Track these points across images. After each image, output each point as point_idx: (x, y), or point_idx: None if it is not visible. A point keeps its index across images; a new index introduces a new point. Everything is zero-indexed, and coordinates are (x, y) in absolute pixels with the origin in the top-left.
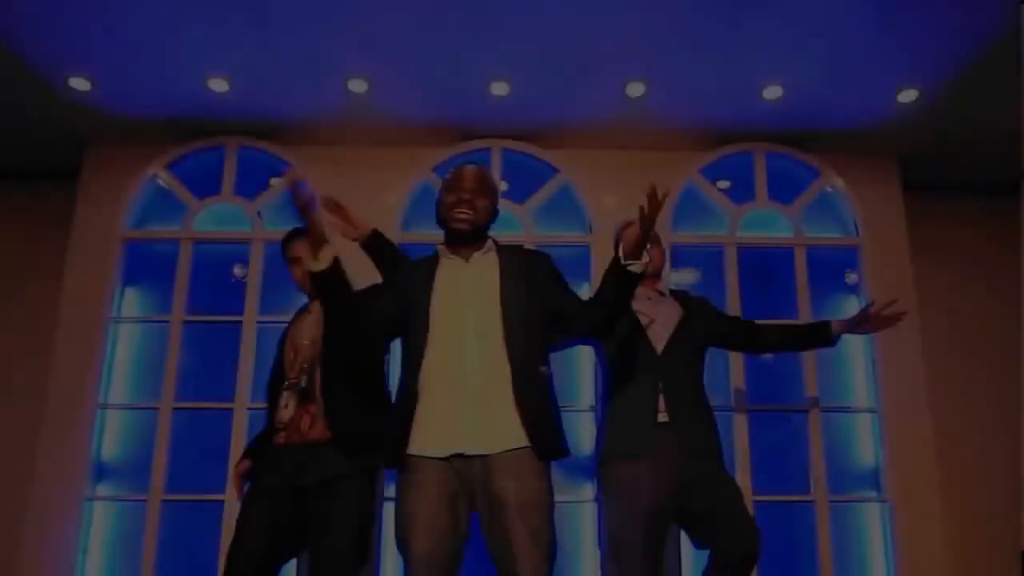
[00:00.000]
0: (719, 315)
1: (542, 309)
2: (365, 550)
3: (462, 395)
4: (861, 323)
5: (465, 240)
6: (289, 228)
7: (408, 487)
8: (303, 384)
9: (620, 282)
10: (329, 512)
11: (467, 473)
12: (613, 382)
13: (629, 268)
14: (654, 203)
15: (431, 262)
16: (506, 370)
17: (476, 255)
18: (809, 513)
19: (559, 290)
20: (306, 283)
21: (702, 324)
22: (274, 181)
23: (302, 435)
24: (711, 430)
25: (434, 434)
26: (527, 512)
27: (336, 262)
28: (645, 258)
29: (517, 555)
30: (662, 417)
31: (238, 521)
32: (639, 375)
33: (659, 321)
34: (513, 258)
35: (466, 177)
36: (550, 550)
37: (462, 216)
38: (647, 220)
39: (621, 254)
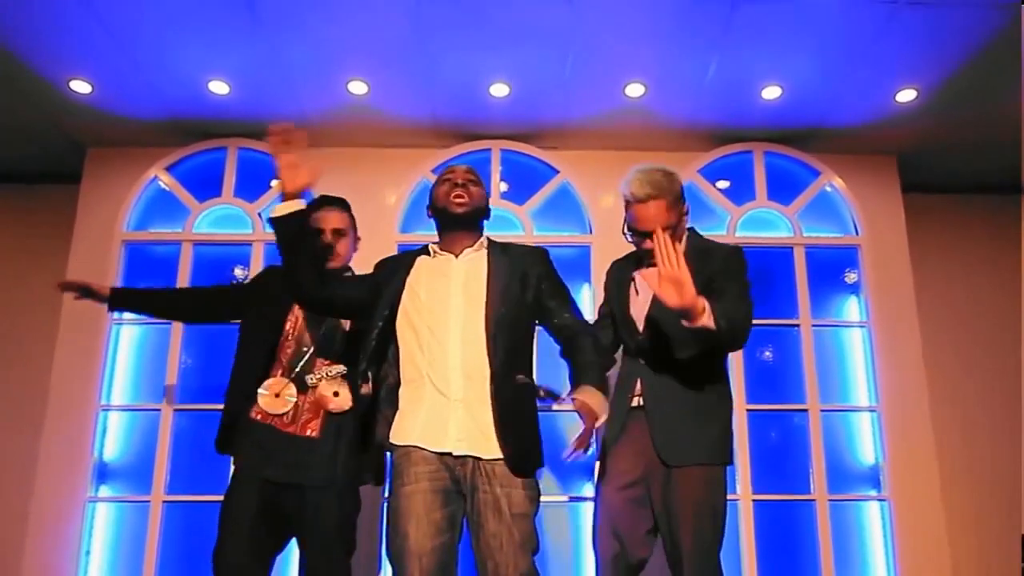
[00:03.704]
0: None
1: (529, 311)
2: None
3: (449, 395)
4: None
5: (463, 224)
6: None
7: (401, 480)
8: (301, 373)
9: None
10: (326, 513)
11: (460, 471)
12: None
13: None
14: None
15: (413, 254)
16: (486, 377)
17: (467, 251)
18: (809, 512)
19: (564, 301)
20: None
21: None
22: (275, 183)
23: (298, 427)
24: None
25: (422, 428)
26: (519, 520)
27: (301, 215)
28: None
29: (507, 561)
30: (635, 402)
31: (227, 509)
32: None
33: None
34: (504, 257)
35: (457, 170)
36: (534, 554)
37: (459, 200)
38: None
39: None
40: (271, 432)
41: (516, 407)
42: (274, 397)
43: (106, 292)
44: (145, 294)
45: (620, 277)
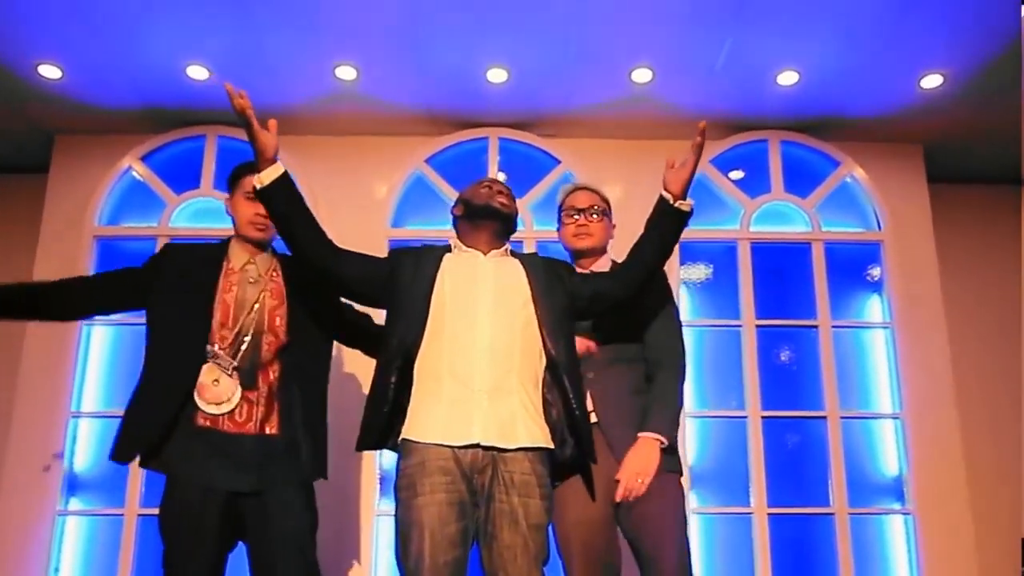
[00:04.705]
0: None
1: (573, 305)
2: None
3: (472, 386)
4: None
5: (501, 222)
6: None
7: (414, 491)
8: (246, 365)
9: (668, 224)
10: (296, 516)
11: (478, 480)
12: None
13: (679, 207)
14: (703, 141)
15: (438, 251)
16: (527, 367)
17: (495, 252)
18: (828, 527)
19: (585, 276)
20: (258, 229)
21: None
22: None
23: (238, 425)
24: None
25: (444, 423)
26: (534, 532)
27: (287, 177)
28: (691, 200)
29: (520, 574)
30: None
31: (170, 523)
32: None
33: None
34: (534, 261)
35: (496, 181)
36: (544, 564)
37: (503, 200)
38: (697, 160)
39: (668, 195)
40: (224, 437)
41: (579, 401)
42: (213, 387)
43: None
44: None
45: None
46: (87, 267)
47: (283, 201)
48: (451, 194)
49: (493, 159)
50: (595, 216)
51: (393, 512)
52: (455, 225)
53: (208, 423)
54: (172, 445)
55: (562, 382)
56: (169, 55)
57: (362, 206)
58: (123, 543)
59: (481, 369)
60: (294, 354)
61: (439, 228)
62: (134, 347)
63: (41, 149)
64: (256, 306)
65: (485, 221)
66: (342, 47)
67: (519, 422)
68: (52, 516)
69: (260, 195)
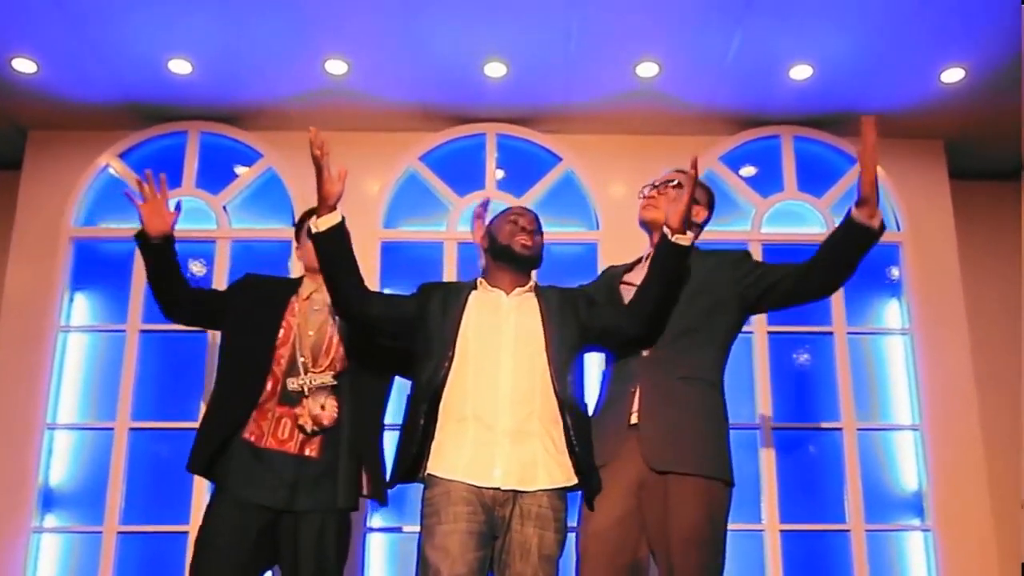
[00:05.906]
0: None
1: (584, 337)
2: None
3: (495, 428)
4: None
5: (521, 266)
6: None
7: (438, 518)
8: (296, 388)
9: (670, 259)
10: (326, 542)
11: (499, 513)
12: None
13: (677, 242)
14: (696, 173)
15: (463, 288)
16: (548, 409)
17: (519, 289)
18: (844, 543)
19: (598, 308)
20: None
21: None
22: (241, 170)
23: (280, 443)
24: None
25: (468, 462)
26: (545, 562)
27: (342, 226)
28: (691, 234)
29: None
30: (633, 419)
31: (209, 528)
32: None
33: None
34: (552, 296)
35: (526, 215)
36: None
37: (525, 243)
38: (692, 190)
39: (667, 230)
40: (262, 452)
41: (587, 438)
42: (323, 412)
43: (166, 228)
44: (176, 264)
45: (609, 282)
46: (65, 270)
47: (333, 248)
48: (446, 193)
49: (491, 156)
50: (669, 190)
51: (385, 527)
52: (482, 253)
53: (252, 437)
54: (225, 458)
55: (565, 420)
56: (150, 48)
57: (353, 205)
58: (102, 562)
59: (504, 412)
60: (348, 382)
61: (433, 229)
62: (113, 353)
63: (14, 145)
64: (314, 332)
65: (505, 263)
66: (332, 39)
67: (539, 466)
68: (27, 533)
69: (313, 239)
